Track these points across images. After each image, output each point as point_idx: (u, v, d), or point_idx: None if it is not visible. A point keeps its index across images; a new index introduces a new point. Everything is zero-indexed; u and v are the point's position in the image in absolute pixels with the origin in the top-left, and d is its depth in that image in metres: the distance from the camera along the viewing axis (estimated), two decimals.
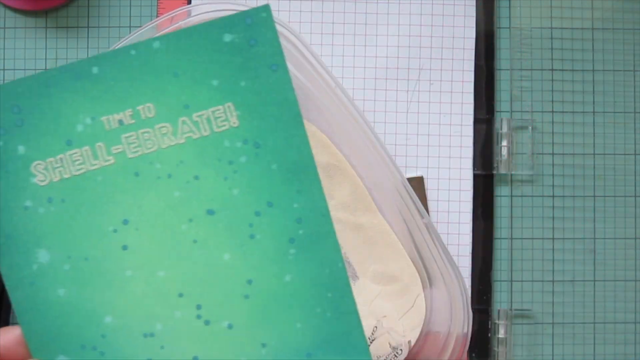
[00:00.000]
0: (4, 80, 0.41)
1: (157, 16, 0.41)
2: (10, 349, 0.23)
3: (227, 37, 0.24)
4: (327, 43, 0.41)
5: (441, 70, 0.41)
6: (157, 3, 0.41)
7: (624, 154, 0.42)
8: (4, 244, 0.24)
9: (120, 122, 0.24)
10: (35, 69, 0.41)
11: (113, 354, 0.24)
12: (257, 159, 0.24)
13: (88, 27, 0.41)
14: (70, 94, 0.23)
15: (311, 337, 0.25)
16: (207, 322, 0.24)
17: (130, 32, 0.41)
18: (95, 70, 0.23)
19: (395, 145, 0.41)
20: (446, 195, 0.41)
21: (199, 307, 0.24)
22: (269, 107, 0.24)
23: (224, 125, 0.24)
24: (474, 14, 0.41)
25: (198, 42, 0.23)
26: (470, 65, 0.41)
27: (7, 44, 0.41)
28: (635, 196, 0.42)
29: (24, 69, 0.41)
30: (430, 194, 0.41)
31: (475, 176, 0.41)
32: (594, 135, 0.42)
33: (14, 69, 0.41)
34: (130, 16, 0.41)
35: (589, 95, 0.42)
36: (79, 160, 0.24)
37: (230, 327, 0.25)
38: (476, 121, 0.41)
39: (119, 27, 0.41)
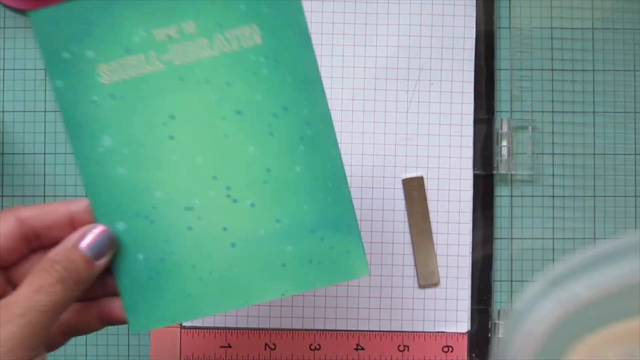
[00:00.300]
0: (3, 80, 0.42)
1: None
2: (80, 215, 0.29)
3: None
4: (327, 43, 0.41)
5: (441, 70, 0.41)
6: None
7: (624, 154, 0.42)
8: (75, 130, 0.29)
9: (168, 35, 0.29)
10: (35, 69, 0.42)
11: (161, 222, 0.30)
12: (276, 71, 0.29)
13: None
14: (129, 10, 0.29)
15: (315, 216, 0.30)
16: (234, 201, 0.30)
17: None
18: None
19: (396, 145, 0.41)
20: (446, 195, 0.41)
21: (228, 188, 0.30)
22: (286, 29, 0.29)
23: (250, 43, 0.29)
24: (474, 14, 0.41)
25: None
26: (470, 65, 0.41)
27: (7, 44, 0.42)
28: (635, 196, 0.42)
29: (24, 69, 0.42)
30: (430, 194, 0.41)
31: (475, 176, 0.42)
32: (594, 135, 0.42)
33: (14, 69, 0.42)
34: None
35: (589, 95, 0.42)
36: (134, 64, 0.29)
37: (252, 205, 0.30)
38: (476, 121, 0.41)
39: None
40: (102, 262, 0.28)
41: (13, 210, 0.28)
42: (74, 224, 0.29)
